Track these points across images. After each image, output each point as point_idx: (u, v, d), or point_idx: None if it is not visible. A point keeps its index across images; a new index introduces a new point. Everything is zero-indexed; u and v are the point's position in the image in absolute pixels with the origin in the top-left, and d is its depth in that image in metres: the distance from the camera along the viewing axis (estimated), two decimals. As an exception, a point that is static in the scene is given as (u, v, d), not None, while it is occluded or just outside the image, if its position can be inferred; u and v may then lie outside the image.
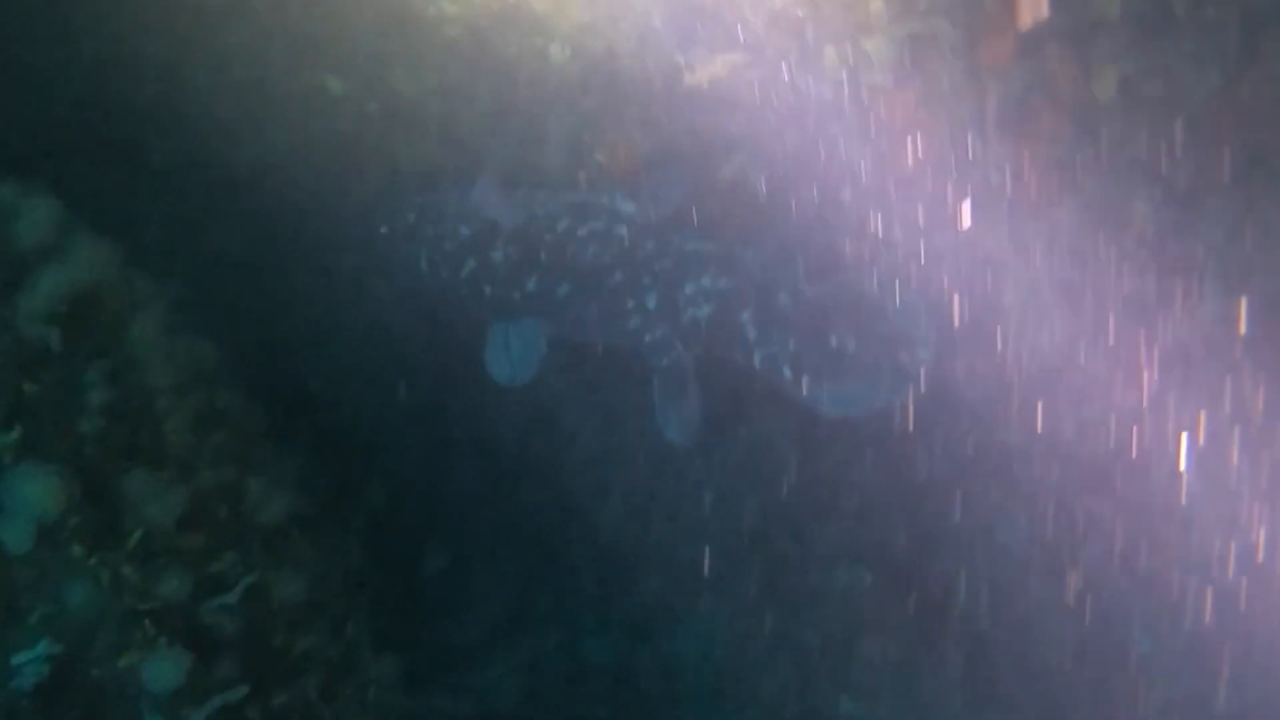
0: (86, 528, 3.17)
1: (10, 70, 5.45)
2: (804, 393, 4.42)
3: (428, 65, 5.32)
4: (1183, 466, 4.18)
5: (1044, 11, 4.45)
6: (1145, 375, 4.64)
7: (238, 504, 3.77)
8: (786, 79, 4.98)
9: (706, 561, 5.29)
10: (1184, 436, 4.27)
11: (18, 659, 2.85)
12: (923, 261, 5.03)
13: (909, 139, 4.83)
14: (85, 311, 3.41)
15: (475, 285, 4.59)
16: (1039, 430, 4.67)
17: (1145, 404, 4.66)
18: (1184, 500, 4.52)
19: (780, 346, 4.43)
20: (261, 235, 5.61)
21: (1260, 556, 4.13)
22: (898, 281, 4.76)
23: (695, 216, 4.80)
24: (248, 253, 5.54)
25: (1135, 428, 4.63)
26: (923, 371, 4.48)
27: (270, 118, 5.53)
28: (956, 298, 4.99)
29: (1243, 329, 4.26)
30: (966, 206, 4.83)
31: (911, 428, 4.59)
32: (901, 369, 4.46)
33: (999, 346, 4.89)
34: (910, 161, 4.88)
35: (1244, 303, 4.21)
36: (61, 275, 3.32)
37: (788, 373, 4.42)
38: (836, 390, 4.41)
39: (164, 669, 3.07)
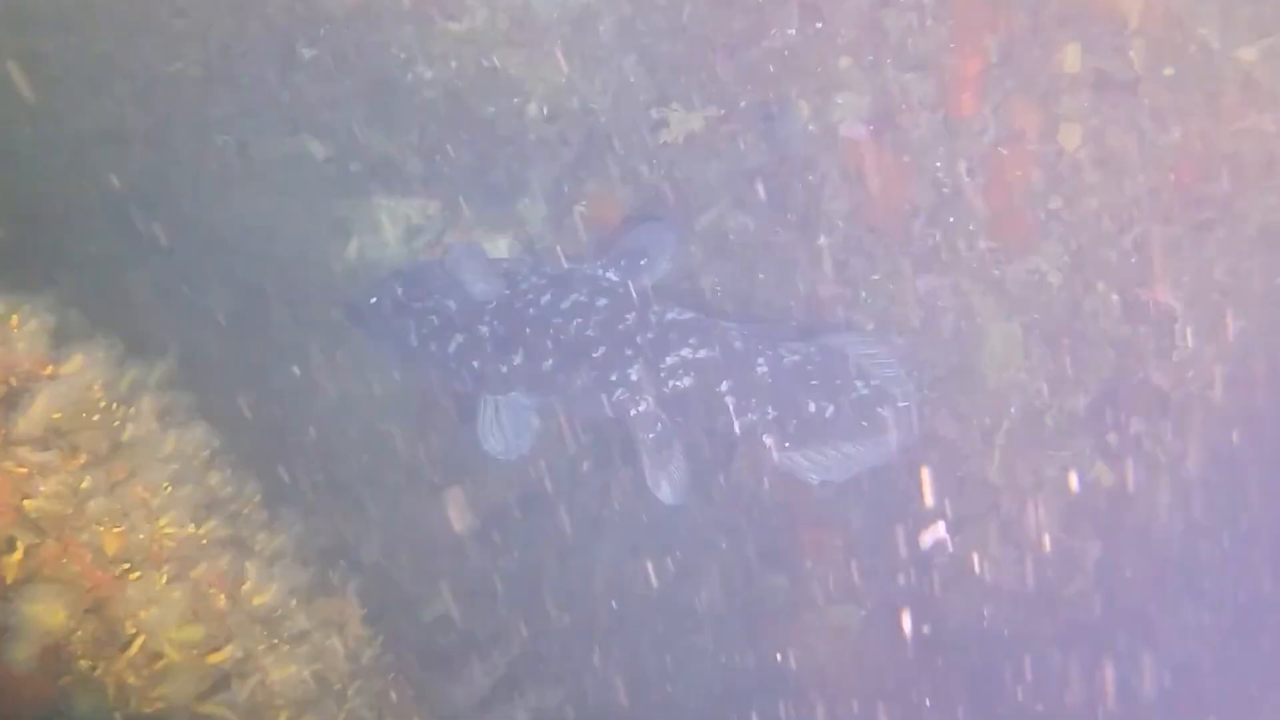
0: (89, 640, 3.23)
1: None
2: (784, 462, 4.49)
3: (407, 125, 5.35)
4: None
5: (1005, 62, 4.49)
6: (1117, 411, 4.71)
7: (236, 589, 3.82)
8: (761, 131, 5.03)
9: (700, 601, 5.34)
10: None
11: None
12: (899, 313, 5.09)
13: (883, 189, 4.87)
14: (80, 426, 3.46)
15: (464, 360, 4.64)
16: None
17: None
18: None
19: (759, 414, 4.50)
20: (250, 298, 5.66)
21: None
22: (874, 338, 4.82)
23: (673, 281, 4.86)
24: (237, 316, 5.59)
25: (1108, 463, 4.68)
26: (902, 430, 4.54)
27: (254, 181, 5.57)
28: (932, 348, 5.05)
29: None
30: (942, 255, 4.88)
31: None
32: (881, 431, 4.52)
33: (979, 393, 4.94)
34: (886, 210, 4.93)
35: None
36: (56, 393, 3.37)
37: (768, 440, 4.50)
38: (816, 458, 4.49)
39: (170, 770, 3.16)
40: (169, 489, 3.72)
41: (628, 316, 4.52)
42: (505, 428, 4.54)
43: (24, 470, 3.20)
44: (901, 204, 4.87)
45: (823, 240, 5.09)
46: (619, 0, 4.85)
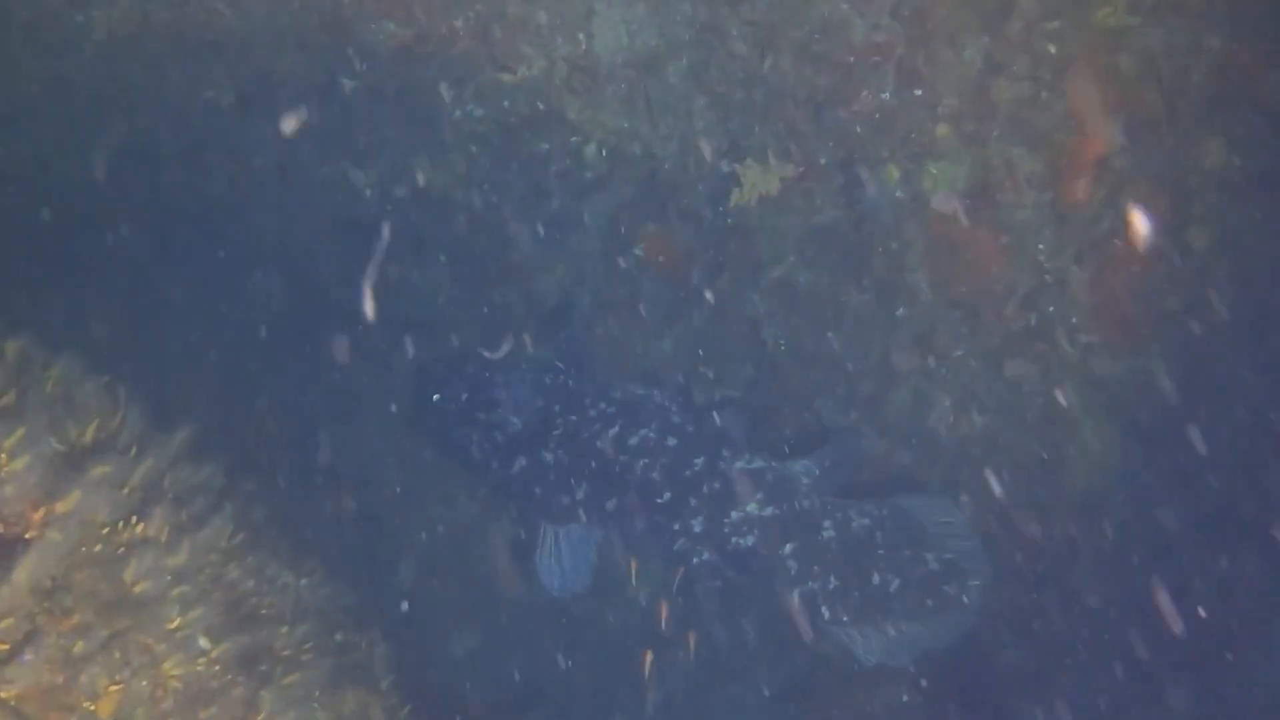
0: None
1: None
2: (839, 636, 4.11)
3: (456, 155, 4.77)
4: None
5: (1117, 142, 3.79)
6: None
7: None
8: (842, 190, 4.38)
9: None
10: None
11: None
12: (981, 392, 4.49)
13: (975, 266, 4.22)
14: (78, 566, 3.06)
15: (525, 484, 4.26)
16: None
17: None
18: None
19: (820, 584, 4.12)
20: (286, 319, 5.19)
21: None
22: (950, 503, 4.26)
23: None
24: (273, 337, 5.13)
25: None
26: (969, 612, 4.10)
27: (292, 204, 5.04)
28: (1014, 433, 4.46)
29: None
30: (1036, 344, 4.25)
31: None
32: (947, 612, 4.10)
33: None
34: (976, 289, 4.29)
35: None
36: (44, 555, 2.95)
37: (826, 613, 4.11)
38: (874, 637, 4.10)
39: None
40: (177, 622, 3.32)
41: (696, 462, 4.13)
42: (564, 562, 4.19)
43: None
44: (995, 284, 4.22)
45: (902, 311, 4.47)
46: (689, 45, 4.16)
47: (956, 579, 4.11)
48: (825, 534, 4.12)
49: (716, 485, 4.14)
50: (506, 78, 4.00)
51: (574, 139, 4.54)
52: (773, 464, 4.25)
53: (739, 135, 4.43)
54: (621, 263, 4.96)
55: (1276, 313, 3.75)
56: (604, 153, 4.57)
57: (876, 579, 4.09)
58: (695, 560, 4.12)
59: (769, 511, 4.12)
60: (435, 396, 4.43)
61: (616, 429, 4.18)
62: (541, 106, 4.34)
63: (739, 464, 4.16)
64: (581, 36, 4.06)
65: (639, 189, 4.70)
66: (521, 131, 4.53)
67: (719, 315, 4.96)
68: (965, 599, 4.11)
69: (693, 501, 4.11)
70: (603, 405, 4.27)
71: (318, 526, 4.48)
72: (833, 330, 4.76)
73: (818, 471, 4.27)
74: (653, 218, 4.81)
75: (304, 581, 4.10)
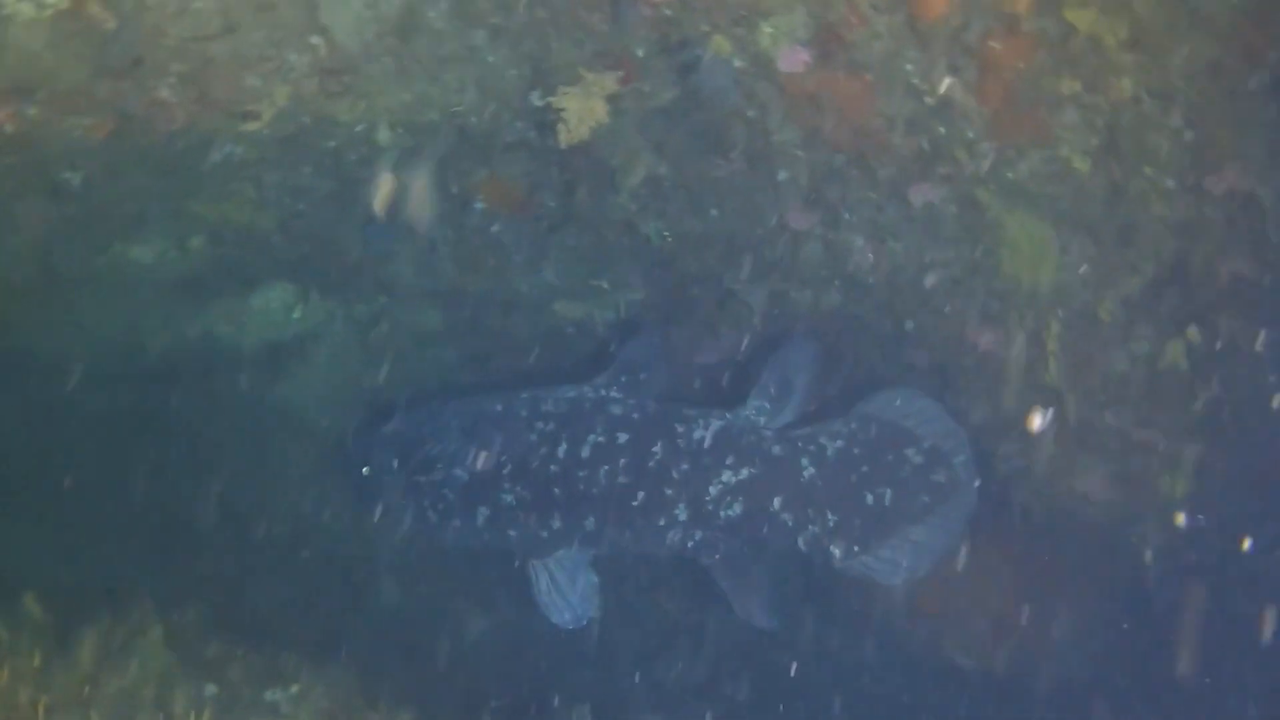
0: None
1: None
2: (858, 569, 3.84)
3: (242, 187, 3.99)
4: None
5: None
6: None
7: None
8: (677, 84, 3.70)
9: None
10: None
11: None
12: (891, 222, 4.02)
13: (845, 112, 3.63)
14: None
15: (497, 532, 3.90)
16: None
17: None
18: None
19: (820, 525, 3.84)
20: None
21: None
22: (911, 389, 3.88)
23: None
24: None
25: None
26: (966, 494, 3.86)
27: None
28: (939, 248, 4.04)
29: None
30: (938, 167, 3.74)
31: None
32: (945, 500, 3.85)
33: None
34: (853, 131, 3.72)
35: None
36: None
37: (837, 552, 3.85)
38: (889, 557, 3.82)
39: None
40: None
41: (654, 450, 3.77)
42: (565, 593, 3.89)
43: None
44: (873, 122, 3.64)
45: (783, 174, 3.90)
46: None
47: (943, 464, 3.84)
48: (806, 474, 3.84)
49: (685, 466, 3.81)
50: (252, 126, 3.19)
51: (360, 128, 3.77)
52: (726, 415, 3.95)
53: (538, 59, 3.67)
54: (468, 220, 4.30)
55: (1181, 70, 3.21)
56: (399, 130, 3.80)
57: (870, 499, 3.85)
58: (690, 544, 3.86)
59: (745, 474, 3.78)
60: (365, 470, 4.00)
61: (564, 445, 3.81)
62: (308, 120, 3.54)
63: (697, 434, 3.83)
64: (315, 39, 3.22)
65: (454, 149, 3.97)
66: (296, 150, 3.74)
67: (589, 229, 4.38)
68: (957, 480, 3.82)
69: (668, 491, 3.80)
70: (539, 425, 3.88)
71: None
72: (716, 208, 4.19)
73: (769, 405, 3.93)
74: (481, 167, 4.11)
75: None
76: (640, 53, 3.64)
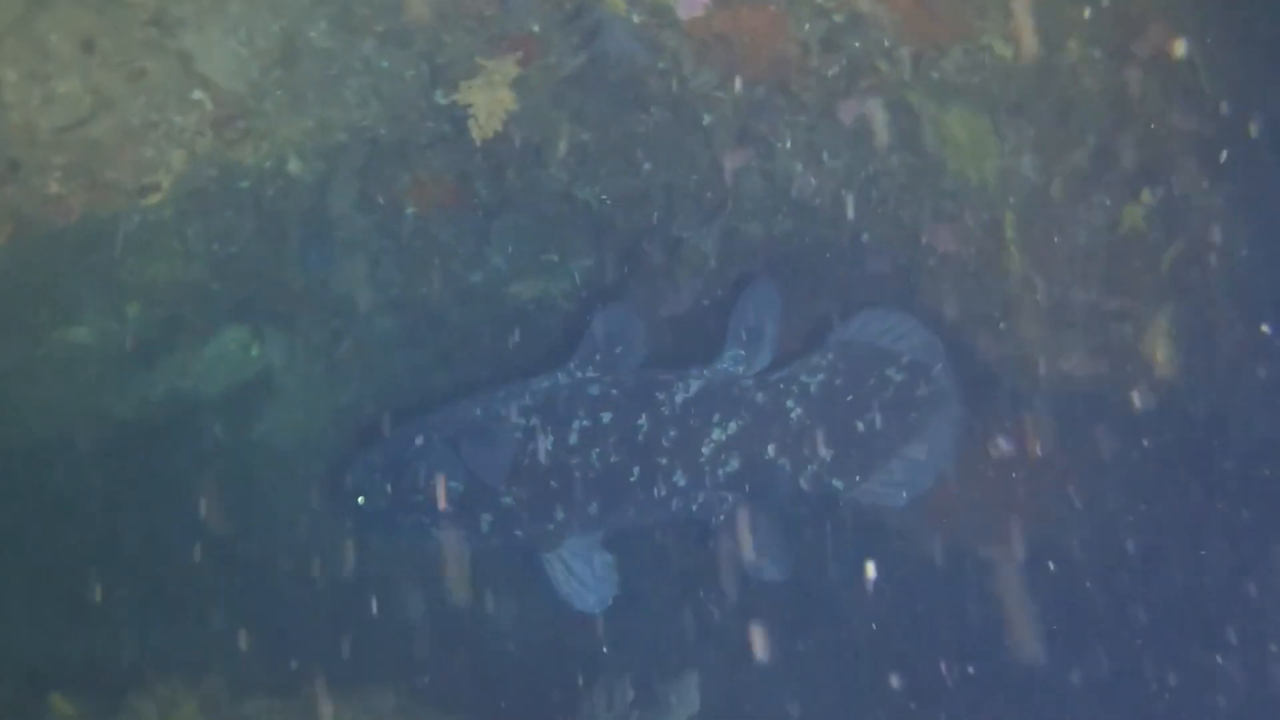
0: None
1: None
2: (864, 498, 3.82)
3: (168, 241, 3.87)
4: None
5: None
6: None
7: None
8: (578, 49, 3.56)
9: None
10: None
11: None
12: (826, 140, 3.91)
13: (754, 44, 3.51)
14: None
15: (505, 535, 3.86)
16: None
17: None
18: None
19: (818, 464, 3.83)
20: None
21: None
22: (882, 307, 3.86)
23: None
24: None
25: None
26: (951, 398, 3.83)
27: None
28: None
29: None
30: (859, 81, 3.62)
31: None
32: (932, 411, 3.81)
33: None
34: (768, 62, 3.59)
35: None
36: None
37: (839, 485, 3.84)
38: (891, 480, 3.79)
39: None
40: None
41: (640, 423, 3.72)
42: (584, 578, 3.85)
43: None
44: (786, 48, 3.51)
45: (707, 118, 3.78)
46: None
47: (922, 376, 3.77)
48: (794, 415, 3.80)
49: (673, 433, 3.76)
50: (154, 199, 3.06)
51: (269, 165, 3.63)
52: (704, 373, 3.89)
53: (433, 56, 3.52)
54: (403, 227, 4.19)
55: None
56: (309, 158, 3.67)
57: (861, 426, 3.81)
58: (695, 508, 3.84)
59: (733, 429, 3.75)
60: (360, 500, 3.96)
61: (551, 437, 3.76)
62: (216, 173, 3.40)
63: (679, 398, 3.79)
64: (197, 94, 3.07)
65: (371, 162, 3.84)
66: (210, 198, 3.61)
67: (527, 208, 4.26)
68: (941, 389, 3.81)
69: (662, 461, 3.75)
70: (519, 420, 3.81)
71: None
72: (648, 162, 4.07)
73: (743, 353, 3.89)
74: (403, 172, 3.98)
75: None
76: (536, 28, 3.48)
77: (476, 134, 3.42)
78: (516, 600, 4.88)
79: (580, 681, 4.19)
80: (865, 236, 4.17)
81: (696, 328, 4.49)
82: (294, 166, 3.64)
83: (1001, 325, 4.01)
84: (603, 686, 4.16)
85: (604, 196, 4.20)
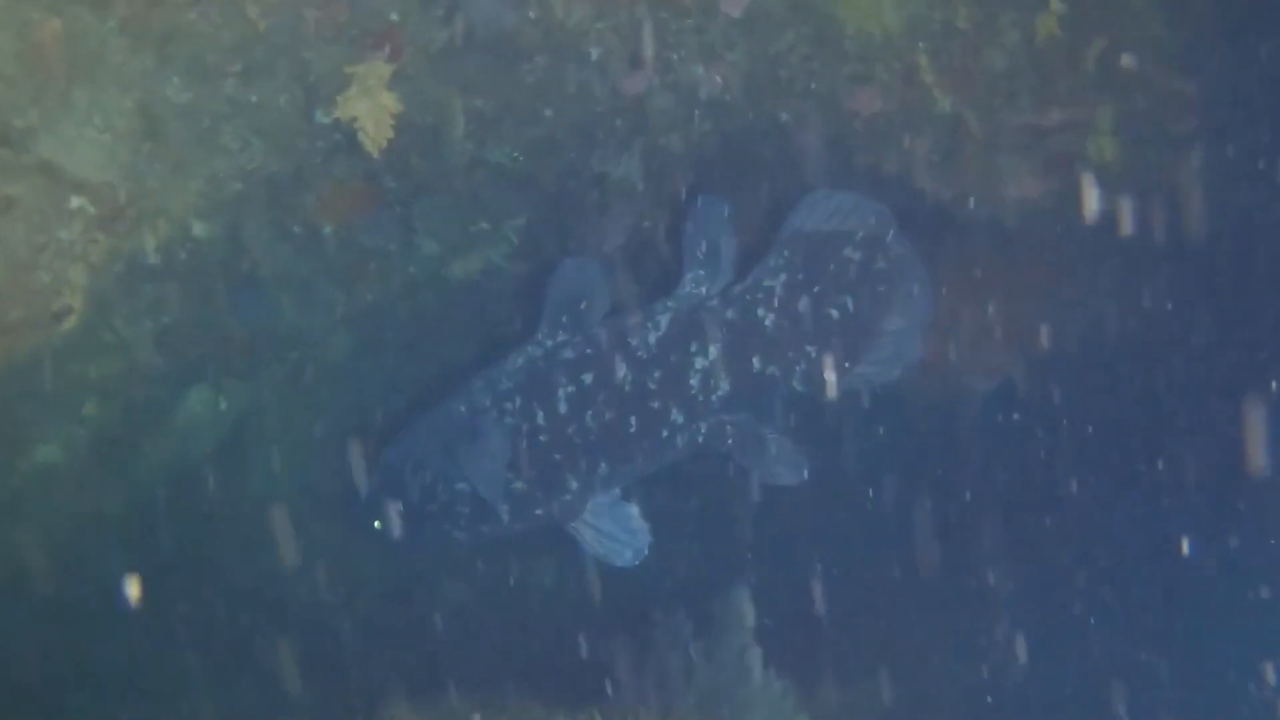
0: None
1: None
2: (858, 384, 3.82)
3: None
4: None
5: None
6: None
7: None
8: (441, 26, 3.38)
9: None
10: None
11: None
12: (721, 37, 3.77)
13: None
14: None
15: (526, 517, 3.83)
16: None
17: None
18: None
19: (803, 362, 3.76)
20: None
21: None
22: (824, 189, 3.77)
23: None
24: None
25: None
26: (912, 259, 3.74)
27: None
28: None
29: None
30: None
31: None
32: (897, 280, 3.75)
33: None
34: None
35: None
36: None
37: (832, 378, 3.77)
38: (877, 359, 3.76)
39: None
40: None
41: (620, 374, 3.68)
42: (615, 536, 3.83)
43: None
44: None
45: (593, 53, 3.63)
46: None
47: (878, 248, 3.70)
48: (768, 322, 3.74)
49: (657, 373, 3.71)
50: (71, 322, 2.93)
51: (172, 234, 3.48)
52: (669, 304, 3.81)
53: (301, 76, 3.34)
54: (326, 247, 4.05)
55: None
56: (210, 217, 3.51)
57: (835, 314, 3.74)
58: (700, 439, 3.81)
59: (714, 353, 3.71)
60: (376, 525, 3.92)
61: (540, 415, 3.72)
62: (121, 266, 3.25)
63: (652, 337, 3.73)
64: (75, 200, 2.91)
65: (272, 198, 3.68)
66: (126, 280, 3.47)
67: (442, 187, 4.12)
68: (898, 254, 3.77)
69: (655, 404, 3.71)
70: (507, 405, 3.76)
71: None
72: (548, 109, 3.92)
73: (703, 273, 3.80)
74: (308, 195, 3.82)
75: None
76: (395, 16, 3.28)
77: (371, 147, 3.25)
78: (554, 568, 4.91)
79: (636, 628, 4.22)
80: (784, 117, 4.04)
81: (646, 253, 4.39)
82: (199, 230, 3.48)
83: (943, 167, 3.91)
84: (660, 625, 4.19)
85: (515, 154, 4.05)
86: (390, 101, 3.20)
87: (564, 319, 3.84)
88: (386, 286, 4.34)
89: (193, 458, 4.41)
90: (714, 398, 3.76)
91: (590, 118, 3.90)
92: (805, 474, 3.76)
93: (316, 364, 4.49)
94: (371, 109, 3.18)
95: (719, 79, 3.81)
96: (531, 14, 3.38)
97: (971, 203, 3.93)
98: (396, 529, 3.90)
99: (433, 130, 3.79)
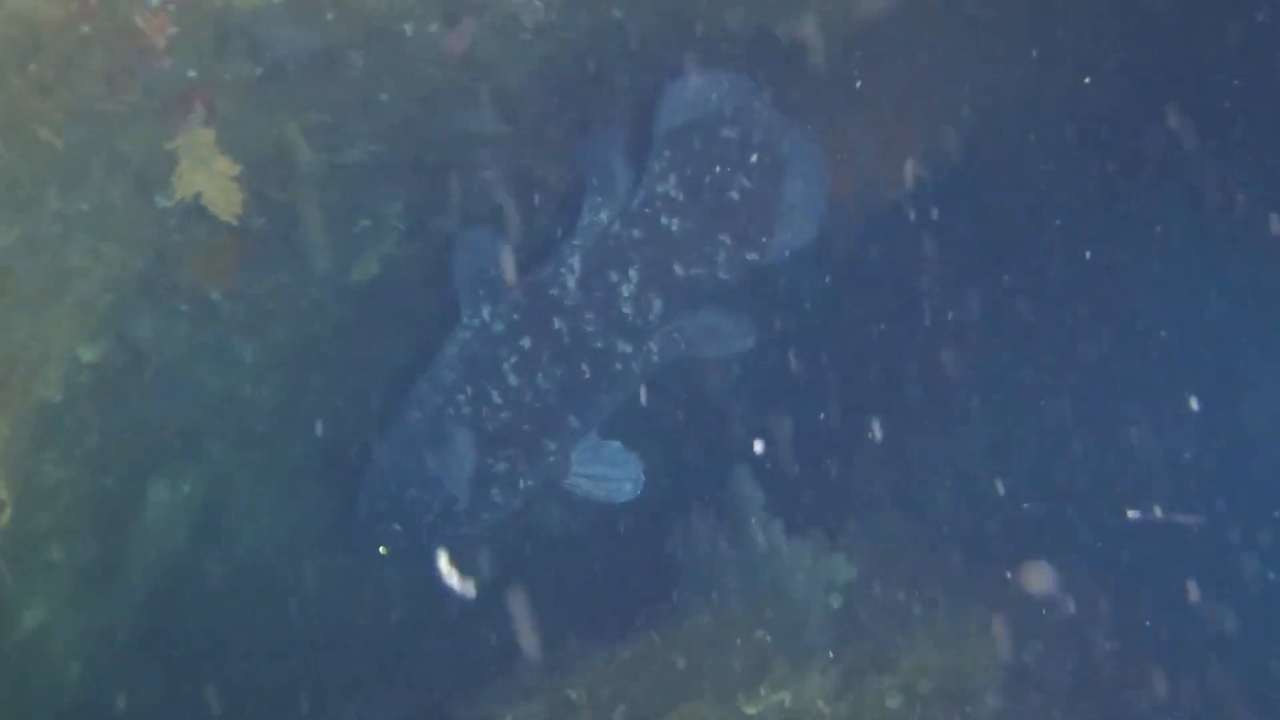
0: None
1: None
2: (786, 251, 3.75)
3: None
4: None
5: None
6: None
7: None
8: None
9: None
10: None
11: None
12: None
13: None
14: None
15: (514, 491, 3.86)
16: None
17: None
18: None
19: (723, 252, 3.72)
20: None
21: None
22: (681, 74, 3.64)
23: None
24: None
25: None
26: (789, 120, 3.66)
27: None
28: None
29: None
30: None
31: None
32: (788, 141, 3.69)
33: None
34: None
35: None
36: None
37: (754, 257, 3.75)
38: (793, 219, 3.71)
39: None
40: None
41: (555, 327, 3.67)
42: (608, 478, 3.87)
43: None
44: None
45: (407, 28, 3.44)
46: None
47: (750, 119, 3.64)
48: (675, 226, 3.68)
49: (588, 314, 3.70)
50: (5, 518, 2.81)
51: (68, 370, 3.33)
52: (574, 241, 3.75)
53: (126, 163, 3.14)
54: (224, 310, 3.90)
55: None
56: (88, 345, 3.35)
57: (736, 195, 3.67)
58: (656, 359, 3.80)
59: (635, 275, 3.69)
60: (383, 550, 3.94)
61: (495, 395, 3.70)
62: (34, 418, 3.12)
63: (569, 281, 3.68)
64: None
65: (145, 291, 3.51)
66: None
67: (309, 206, 3.93)
68: (770, 119, 3.67)
69: (599, 345, 3.72)
70: (459, 397, 3.73)
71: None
72: (381, 94, 3.73)
73: (601, 199, 3.76)
74: (179, 274, 3.66)
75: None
76: (193, 73, 3.05)
77: (229, 216, 3.07)
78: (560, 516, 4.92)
79: (663, 546, 4.27)
80: (617, 13, 3.86)
81: (535, 193, 4.27)
82: (88, 355, 3.31)
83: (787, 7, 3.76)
84: (681, 532, 4.25)
85: (369, 147, 3.86)
86: (226, 165, 3.00)
87: (480, 292, 3.77)
88: (296, 319, 4.20)
89: (175, 546, 4.34)
90: (651, 317, 3.73)
91: (428, 88, 3.70)
92: (752, 340, 3.78)
93: (260, 417, 4.38)
94: (211, 179, 2.98)
95: (537, 1, 3.60)
96: (330, 15, 3.14)
97: (818, 30, 3.79)
98: (401, 547, 3.89)
99: (278, 159, 3.58)
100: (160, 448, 4.05)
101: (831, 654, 3.77)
